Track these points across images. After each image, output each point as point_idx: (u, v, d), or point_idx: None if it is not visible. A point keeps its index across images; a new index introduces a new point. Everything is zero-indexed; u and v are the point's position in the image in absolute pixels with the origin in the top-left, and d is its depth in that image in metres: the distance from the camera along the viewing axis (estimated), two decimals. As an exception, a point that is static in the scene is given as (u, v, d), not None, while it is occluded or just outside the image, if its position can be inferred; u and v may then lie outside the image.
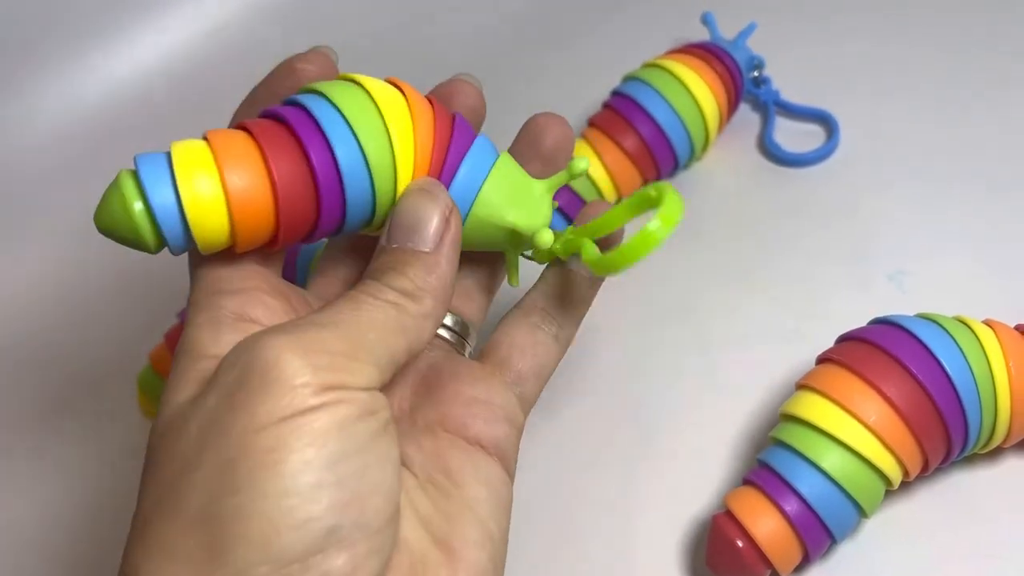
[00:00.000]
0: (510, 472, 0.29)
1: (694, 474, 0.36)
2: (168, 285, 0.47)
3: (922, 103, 0.46)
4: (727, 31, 0.47)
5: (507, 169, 0.28)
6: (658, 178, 0.45)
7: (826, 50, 0.49)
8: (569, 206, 0.43)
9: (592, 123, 0.44)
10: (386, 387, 0.26)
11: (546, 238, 0.27)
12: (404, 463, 0.27)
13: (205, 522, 0.21)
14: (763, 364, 0.38)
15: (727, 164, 0.46)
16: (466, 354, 0.32)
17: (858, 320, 0.38)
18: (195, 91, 0.55)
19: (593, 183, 0.43)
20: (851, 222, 0.42)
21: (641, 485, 0.36)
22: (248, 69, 0.56)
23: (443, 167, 0.27)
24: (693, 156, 0.45)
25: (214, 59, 0.57)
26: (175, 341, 0.41)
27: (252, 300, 0.26)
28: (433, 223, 0.26)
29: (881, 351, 0.31)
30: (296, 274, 0.41)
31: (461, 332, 0.31)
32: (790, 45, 0.49)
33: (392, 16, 0.58)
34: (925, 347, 0.31)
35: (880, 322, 0.33)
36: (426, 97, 0.28)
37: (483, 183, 0.27)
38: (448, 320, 0.31)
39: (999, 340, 0.32)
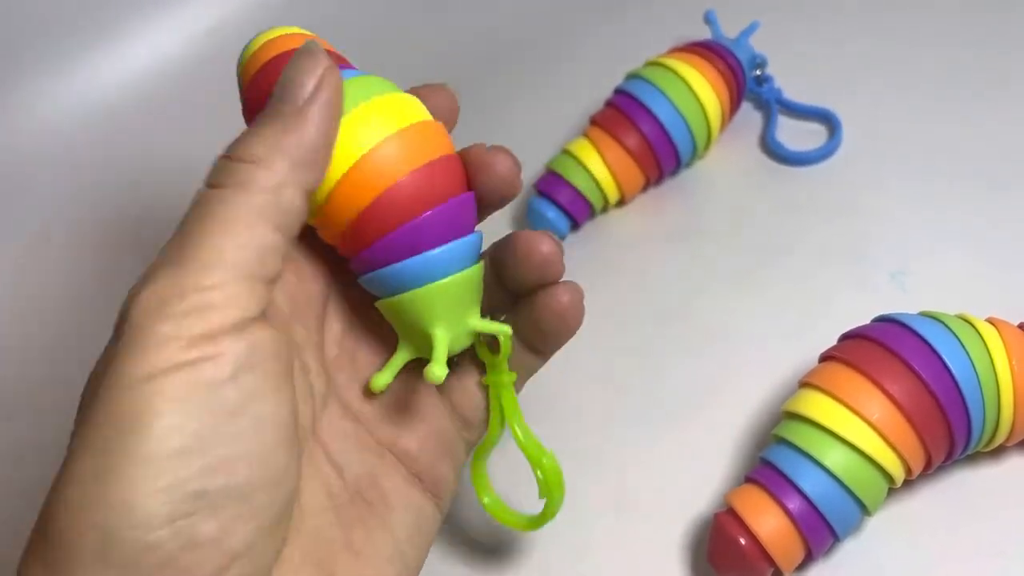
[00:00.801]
0: (442, 509, 0.29)
1: (696, 472, 0.36)
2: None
3: (924, 102, 0.46)
4: (729, 29, 0.47)
5: (473, 281, 0.26)
6: (661, 176, 0.45)
7: (829, 49, 0.49)
8: (572, 205, 0.43)
9: (595, 121, 0.44)
10: (355, 371, 0.27)
11: (434, 376, 0.25)
12: (337, 467, 0.27)
13: (76, 484, 0.20)
14: (765, 362, 0.38)
15: (729, 162, 0.46)
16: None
17: (860, 319, 0.38)
18: (195, 90, 0.55)
19: (596, 182, 0.43)
20: (853, 221, 0.42)
21: (643, 483, 0.36)
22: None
23: (431, 222, 0.25)
24: (695, 154, 0.45)
25: (214, 57, 0.56)
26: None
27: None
28: (300, 81, 0.24)
29: (884, 348, 0.31)
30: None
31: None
32: (792, 44, 0.49)
33: (392, 15, 0.58)
34: (928, 345, 0.31)
35: (883, 320, 0.33)
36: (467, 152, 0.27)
37: (445, 278, 0.25)
38: None
39: (1002, 338, 0.32)
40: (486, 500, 0.31)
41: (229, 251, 0.22)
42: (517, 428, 0.29)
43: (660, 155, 0.43)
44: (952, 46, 0.48)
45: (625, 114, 0.43)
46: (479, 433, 0.30)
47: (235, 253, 0.22)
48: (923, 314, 0.33)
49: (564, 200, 0.43)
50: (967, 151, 0.44)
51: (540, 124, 0.49)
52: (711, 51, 0.45)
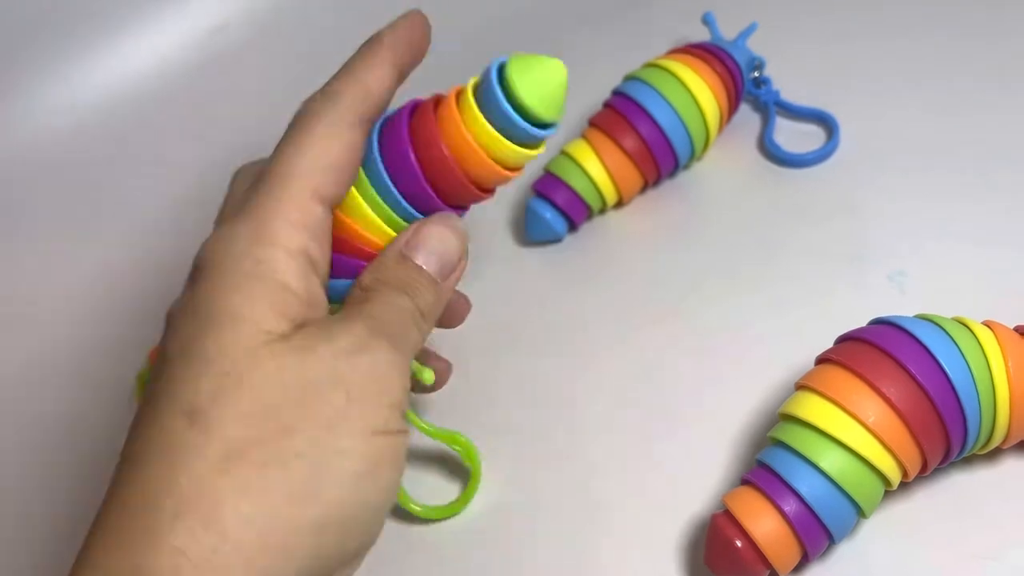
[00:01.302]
0: None
1: (692, 474, 0.36)
2: (164, 283, 0.47)
3: (922, 103, 0.46)
4: (728, 31, 0.47)
5: None
6: (658, 178, 0.45)
7: (827, 51, 0.49)
8: (570, 207, 0.43)
9: (592, 123, 0.44)
10: None
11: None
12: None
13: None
14: (762, 365, 0.38)
15: (727, 164, 0.46)
16: None
17: (858, 321, 0.38)
18: (196, 89, 0.55)
19: (594, 183, 0.43)
20: (851, 222, 0.42)
21: (640, 485, 0.36)
22: (249, 67, 0.56)
23: None
24: (693, 156, 0.45)
25: (214, 58, 0.56)
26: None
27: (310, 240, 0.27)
28: (456, 261, 0.29)
29: (880, 351, 0.31)
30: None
31: None
32: (791, 46, 0.49)
33: (388, 15, 0.58)
34: (924, 348, 0.31)
35: (879, 322, 0.33)
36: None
37: None
38: None
39: (998, 341, 0.32)
40: (415, 508, 0.35)
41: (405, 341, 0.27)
42: (423, 424, 0.33)
43: (658, 157, 0.43)
44: (950, 48, 0.48)
45: (623, 116, 0.43)
46: None
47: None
48: (919, 317, 0.33)
49: (562, 201, 0.43)
50: (965, 152, 0.44)
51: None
52: (709, 53, 0.45)
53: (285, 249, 0.25)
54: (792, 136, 0.46)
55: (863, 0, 0.52)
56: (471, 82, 0.29)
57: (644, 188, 0.45)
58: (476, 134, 0.28)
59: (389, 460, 0.24)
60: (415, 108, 0.30)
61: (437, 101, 0.30)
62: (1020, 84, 0.46)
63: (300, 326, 0.25)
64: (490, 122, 0.28)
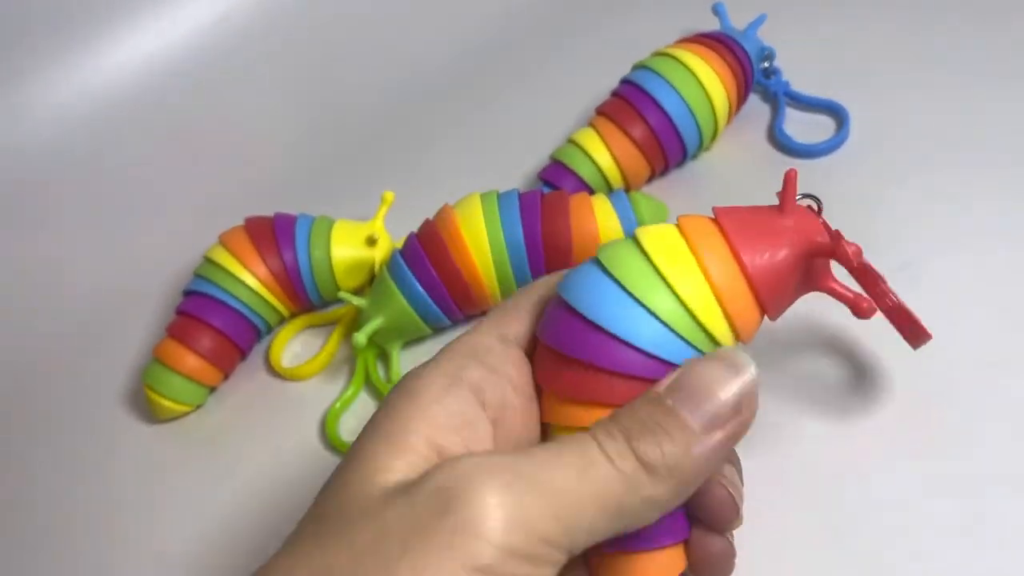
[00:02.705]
0: None
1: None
2: (169, 281, 0.46)
3: (932, 94, 0.46)
4: (738, 21, 0.47)
5: None
6: (666, 168, 0.44)
7: (837, 41, 0.49)
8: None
9: (601, 111, 0.44)
10: None
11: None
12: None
13: None
14: (772, 354, 0.38)
15: (737, 155, 0.46)
16: None
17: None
18: (197, 82, 0.55)
19: (601, 172, 0.43)
20: (861, 213, 0.42)
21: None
22: (250, 61, 0.56)
23: None
24: (702, 146, 0.44)
25: (216, 50, 0.56)
26: (178, 335, 0.41)
27: (493, 384, 0.25)
28: (723, 403, 0.22)
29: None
30: (295, 250, 0.41)
31: None
32: (801, 36, 0.49)
33: (399, 7, 0.58)
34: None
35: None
36: None
37: None
38: None
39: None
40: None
41: (580, 528, 0.21)
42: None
43: (666, 146, 0.43)
44: (961, 38, 0.48)
45: (631, 104, 0.43)
46: None
47: (582, 531, 0.21)
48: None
49: (569, 189, 0.43)
50: (975, 143, 0.43)
51: (546, 114, 0.49)
52: (719, 43, 0.44)
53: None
54: (802, 127, 0.46)
55: (874, -9, 0.51)
56: None
57: (652, 178, 0.45)
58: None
59: None
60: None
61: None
62: (1033, 75, 0.46)
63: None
64: None
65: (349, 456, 0.23)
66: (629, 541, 0.25)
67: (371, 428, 0.24)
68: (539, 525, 0.21)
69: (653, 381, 0.24)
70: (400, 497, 0.21)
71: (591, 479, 0.21)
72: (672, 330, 0.24)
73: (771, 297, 0.25)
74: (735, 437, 0.23)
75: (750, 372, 0.23)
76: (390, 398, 0.24)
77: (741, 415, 0.22)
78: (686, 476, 0.22)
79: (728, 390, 0.22)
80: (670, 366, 0.24)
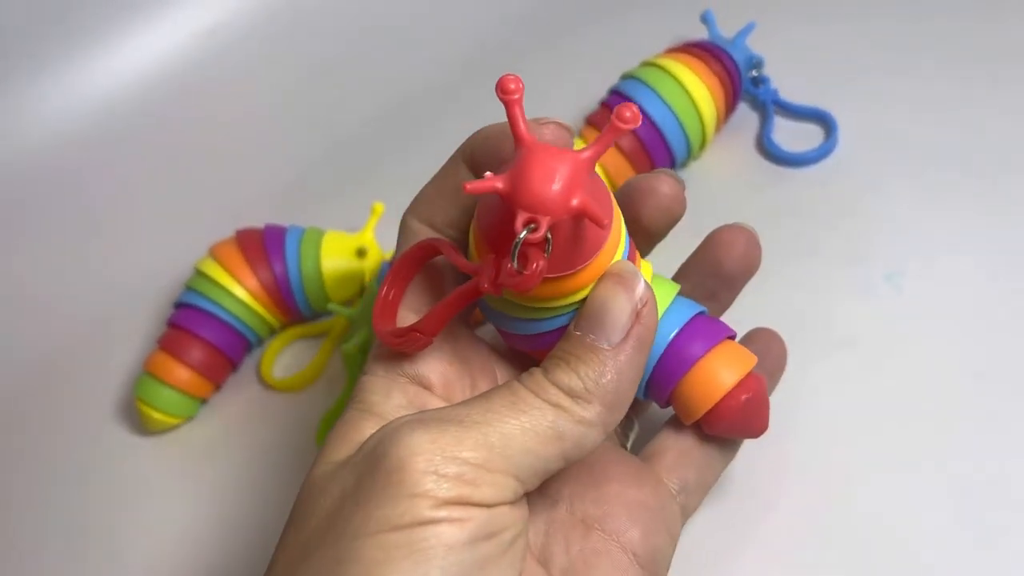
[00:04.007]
0: None
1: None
2: (161, 293, 0.46)
3: (921, 103, 0.46)
4: (726, 30, 0.47)
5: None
6: (655, 177, 0.45)
7: (825, 50, 0.49)
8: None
9: (590, 121, 0.44)
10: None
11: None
12: (544, 562, 0.26)
13: None
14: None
15: (725, 163, 0.46)
16: (628, 446, 0.31)
17: (856, 321, 0.38)
18: (191, 92, 0.55)
19: (590, 182, 0.43)
20: (849, 222, 0.42)
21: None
22: (247, 69, 0.56)
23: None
24: (690, 155, 0.45)
25: (210, 60, 0.56)
26: (169, 347, 0.41)
27: (432, 365, 0.25)
28: (619, 316, 0.24)
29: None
30: (285, 262, 0.41)
31: (624, 422, 0.30)
32: (789, 44, 0.49)
33: (389, 16, 0.58)
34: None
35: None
36: None
37: None
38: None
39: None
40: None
41: (516, 454, 0.22)
42: None
43: (654, 155, 0.43)
44: (949, 47, 0.48)
45: (620, 114, 0.43)
46: (698, 497, 0.30)
47: (521, 457, 0.22)
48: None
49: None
50: (964, 152, 0.44)
51: (535, 124, 0.49)
52: (707, 52, 0.44)
53: None
54: (790, 135, 0.46)
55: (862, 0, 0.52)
56: None
57: (641, 187, 0.45)
58: None
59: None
60: None
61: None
62: (1019, 82, 0.46)
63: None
64: None
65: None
66: (676, 363, 0.28)
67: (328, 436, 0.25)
68: (470, 455, 0.22)
69: None
70: (344, 467, 0.23)
71: (519, 412, 0.23)
72: None
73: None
74: (643, 342, 0.24)
75: (637, 280, 0.24)
76: (342, 413, 0.26)
77: (642, 321, 0.24)
78: (609, 392, 0.23)
79: (623, 304, 0.24)
80: None
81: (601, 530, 0.27)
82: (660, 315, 0.27)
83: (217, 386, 0.42)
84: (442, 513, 0.21)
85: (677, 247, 0.43)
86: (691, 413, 0.28)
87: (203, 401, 0.42)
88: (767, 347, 0.32)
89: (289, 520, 0.24)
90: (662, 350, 0.28)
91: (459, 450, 0.22)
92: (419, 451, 0.21)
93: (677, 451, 0.29)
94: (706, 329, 0.29)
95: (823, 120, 0.46)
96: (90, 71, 0.55)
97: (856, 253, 0.41)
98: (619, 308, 0.24)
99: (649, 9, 0.53)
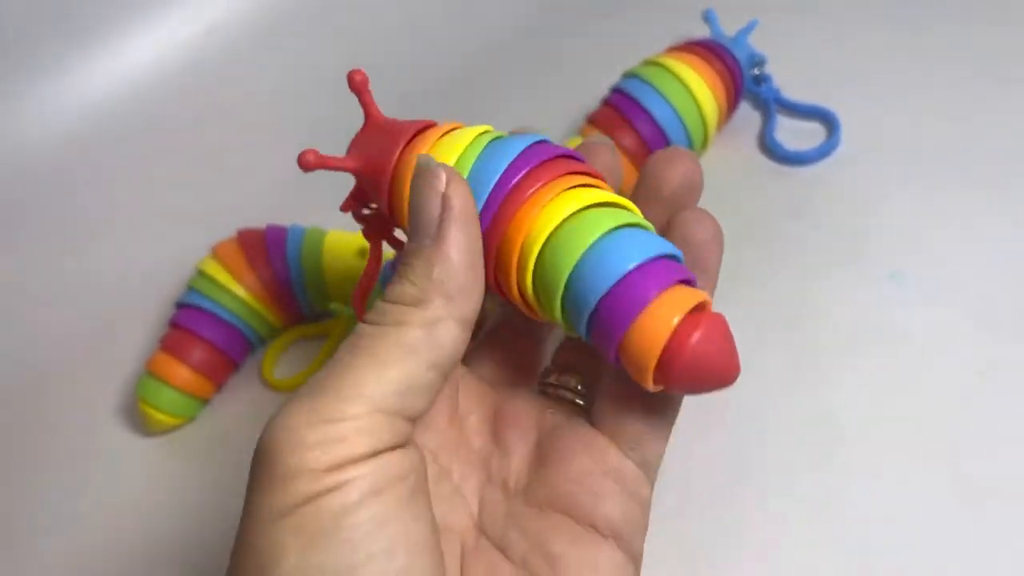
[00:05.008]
0: (632, 554, 0.25)
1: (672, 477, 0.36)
2: (163, 293, 0.46)
3: (923, 101, 0.46)
4: (728, 28, 0.47)
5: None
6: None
7: (827, 48, 0.49)
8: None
9: (591, 120, 0.44)
10: (504, 450, 0.26)
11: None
12: (502, 548, 0.25)
13: None
14: (761, 362, 0.38)
15: (727, 162, 0.46)
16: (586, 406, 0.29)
17: (858, 319, 0.38)
18: (192, 91, 0.55)
19: (592, 181, 0.43)
20: (852, 220, 0.42)
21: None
22: (247, 69, 0.56)
23: None
24: (693, 154, 0.44)
25: (210, 59, 0.56)
26: (171, 348, 0.41)
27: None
28: (426, 209, 0.23)
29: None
30: (287, 262, 0.41)
31: (588, 395, 0.28)
32: (791, 43, 0.49)
33: (390, 16, 0.57)
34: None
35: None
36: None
37: None
38: (575, 382, 0.28)
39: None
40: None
41: (370, 385, 0.21)
42: None
43: (657, 154, 0.43)
44: (952, 46, 0.48)
45: (621, 113, 0.43)
46: (656, 448, 0.27)
47: (376, 387, 0.22)
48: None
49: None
50: (966, 150, 0.43)
51: (537, 122, 0.49)
52: (709, 50, 0.44)
53: None
54: (793, 134, 0.46)
55: (865, -3, 0.51)
56: None
57: (643, 186, 0.45)
58: None
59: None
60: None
61: None
62: (1022, 82, 0.46)
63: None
64: None
65: None
66: (618, 317, 0.24)
67: None
68: (327, 413, 0.21)
69: None
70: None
71: (363, 350, 0.22)
72: None
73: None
74: (462, 223, 0.23)
75: (433, 168, 0.24)
76: None
77: (451, 205, 0.23)
78: (443, 282, 0.23)
79: (427, 196, 0.23)
80: None
81: (553, 509, 0.25)
82: (612, 240, 0.24)
83: (219, 386, 0.42)
84: (325, 482, 0.20)
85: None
86: (641, 368, 0.24)
87: (205, 402, 0.42)
88: (689, 232, 0.27)
89: None
90: (609, 284, 0.24)
91: (318, 413, 0.21)
92: (281, 429, 0.21)
93: (619, 407, 0.26)
94: (663, 271, 0.24)
95: (825, 118, 0.46)
96: (90, 71, 0.55)
97: (858, 251, 0.41)
98: (424, 201, 0.23)
99: (651, 7, 0.53)
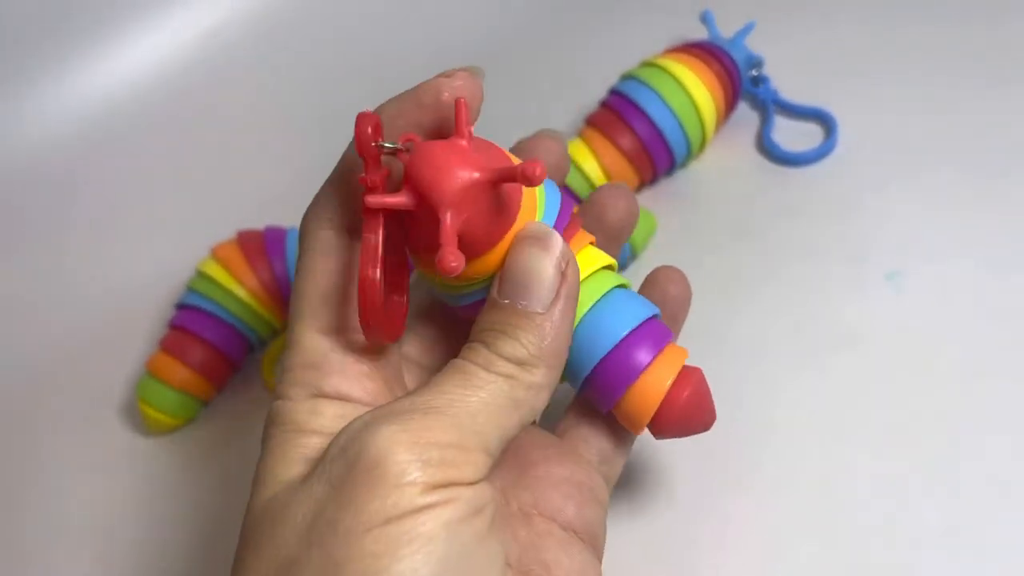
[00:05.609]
0: (599, 555, 0.28)
1: (676, 477, 0.36)
2: (163, 294, 0.47)
3: (921, 102, 0.46)
4: (726, 29, 0.47)
5: None
6: (655, 177, 0.45)
7: (825, 49, 0.49)
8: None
9: (589, 122, 0.44)
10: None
11: None
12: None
13: None
14: (758, 364, 0.38)
15: (725, 163, 0.46)
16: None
17: (856, 320, 0.38)
18: (192, 92, 0.55)
19: (590, 182, 0.43)
20: (849, 221, 0.42)
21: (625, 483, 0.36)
22: (248, 70, 0.56)
23: None
24: (690, 155, 0.45)
25: (211, 61, 0.56)
26: (171, 348, 0.41)
27: (352, 381, 0.25)
28: (546, 280, 0.24)
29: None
30: (287, 263, 0.41)
31: None
32: (789, 44, 0.49)
33: (390, 17, 0.58)
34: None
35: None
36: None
37: None
38: None
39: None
40: None
41: (484, 428, 0.23)
42: None
43: (654, 155, 0.43)
44: (949, 46, 0.48)
45: (619, 114, 0.43)
46: (618, 463, 0.30)
47: (489, 431, 0.23)
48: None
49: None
50: (964, 151, 0.44)
51: (534, 124, 0.49)
52: (707, 51, 0.44)
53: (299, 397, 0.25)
54: (790, 135, 0.46)
55: (862, -2, 0.52)
56: None
57: (640, 187, 0.45)
58: None
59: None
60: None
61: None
62: (1019, 82, 0.46)
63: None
64: None
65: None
66: (619, 378, 0.27)
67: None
68: (444, 438, 0.22)
69: None
70: (307, 480, 0.23)
71: (476, 389, 0.23)
72: None
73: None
74: (571, 297, 0.25)
75: (555, 239, 0.25)
76: (266, 440, 0.26)
77: (567, 279, 0.25)
78: (551, 353, 0.24)
79: (546, 265, 0.24)
80: None
81: (538, 513, 0.27)
82: (604, 305, 0.27)
83: (218, 387, 0.42)
84: (432, 498, 0.21)
85: (678, 248, 0.43)
86: (635, 424, 0.28)
87: (205, 403, 0.42)
88: (664, 288, 0.31)
89: (243, 545, 0.24)
90: (609, 347, 0.27)
91: (432, 435, 0.22)
92: (395, 441, 0.22)
93: (587, 424, 0.30)
94: (653, 336, 0.28)
95: (823, 119, 0.46)
96: (91, 72, 0.55)
97: (856, 252, 0.41)
98: (544, 271, 0.24)
99: (649, 9, 0.53)
